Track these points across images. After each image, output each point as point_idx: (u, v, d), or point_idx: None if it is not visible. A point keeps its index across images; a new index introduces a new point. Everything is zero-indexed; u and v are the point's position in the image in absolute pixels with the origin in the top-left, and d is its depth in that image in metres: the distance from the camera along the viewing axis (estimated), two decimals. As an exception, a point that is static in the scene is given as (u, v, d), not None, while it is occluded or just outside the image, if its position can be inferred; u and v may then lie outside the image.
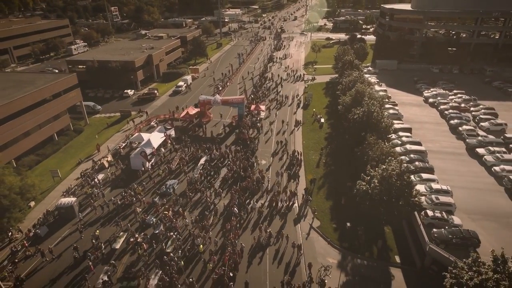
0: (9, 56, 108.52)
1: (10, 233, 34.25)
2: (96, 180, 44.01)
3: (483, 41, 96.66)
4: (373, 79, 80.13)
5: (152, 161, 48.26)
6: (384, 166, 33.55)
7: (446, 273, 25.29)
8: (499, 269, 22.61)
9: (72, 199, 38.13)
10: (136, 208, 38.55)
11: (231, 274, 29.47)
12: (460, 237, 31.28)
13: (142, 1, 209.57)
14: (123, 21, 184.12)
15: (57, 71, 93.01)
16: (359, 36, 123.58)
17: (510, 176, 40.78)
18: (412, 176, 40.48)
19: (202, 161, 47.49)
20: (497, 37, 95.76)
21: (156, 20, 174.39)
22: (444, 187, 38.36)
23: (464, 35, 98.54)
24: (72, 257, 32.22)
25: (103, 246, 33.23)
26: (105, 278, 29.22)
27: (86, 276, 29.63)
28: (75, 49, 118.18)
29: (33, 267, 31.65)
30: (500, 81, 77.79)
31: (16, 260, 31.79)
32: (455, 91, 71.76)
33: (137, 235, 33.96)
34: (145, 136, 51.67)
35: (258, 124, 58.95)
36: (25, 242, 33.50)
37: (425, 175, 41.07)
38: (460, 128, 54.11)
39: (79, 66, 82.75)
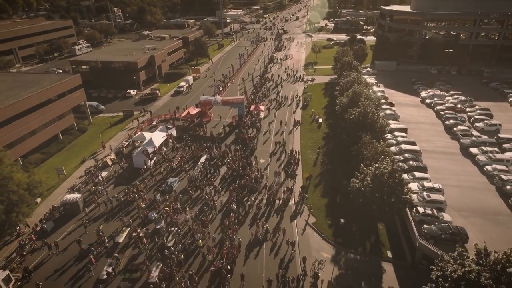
0: (14, 57, 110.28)
1: (18, 228, 35.78)
2: (100, 177, 45.50)
3: (481, 42, 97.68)
4: (371, 80, 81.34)
5: (154, 159, 49.70)
6: (376, 165, 34.85)
7: (433, 266, 26.57)
8: (481, 261, 23.86)
9: (77, 196, 39.70)
10: (140, 203, 40.08)
11: (228, 267, 30.85)
12: (449, 233, 32.52)
13: (144, 1, 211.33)
14: (125, 21, 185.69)
15: (61, 71, 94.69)
16: (359, 37, 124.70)
17: (501, 175, 41.95)
18: (405, 175, 41.94)
19: (202, 159, 48.89)
20: (496, 38, 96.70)
21: (158, 21, 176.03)
22: (436, 185, 39.59)
23: (463, 36, 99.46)
24: (76, 250, 33.76)
25: (106, 240, 34.73)
26: (109, 270, 30.71)
27: (90, 267, 31.17)
28: (78, 49, 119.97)
29: (40, 259, 33.22)
30: (497, 82, 78.78)
31: (24, 253, 33.34)
32: (452, 92, 72.84)
33: (139, 230, 35.41)
34: (147, 135, 53.17)
35: (258, 124, 60.32)
36: (32, 236, 35.04)
37: (418, 174, 42.23)
38: (455, 129, 55.24)
39: (83, 67, 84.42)
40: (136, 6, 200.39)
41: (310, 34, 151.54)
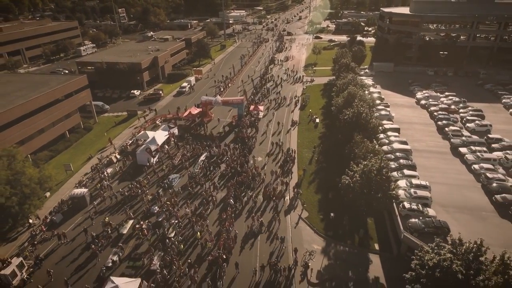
0: (21, 57, 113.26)
1: (30, 220, 38.37)
2: (105, 173, 47.98)
3: (479, 44, 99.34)
4: (369, 81, 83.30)
5: (157, 157, 52.08)
6: (365, 162, 37.01)
7: (413, 256, 28.71)
8: (454, 250, 26.00)
9: (84, 190, 42.28)
10: (147, 197, 42.77)
11: (224, 257, 33.16)
12: (432, 227, 34.57)
13: (148, 2, 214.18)
14: (130, 22, 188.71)
15: (67, 71, 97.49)
16: (359, 38, 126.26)
17: (487, 174, 43.92)
18: (395, 172, 44.13)
19: (202, 157, 51.22)
20: (494, 40, 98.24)
21: (162, 22, 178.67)
22: (423, 183, 41.61)
23: (463, 38, 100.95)
24: (84, 240, 36.40)
25: (110, 231, 37.29)
26: (114, 258, 33.18)
27: (98, 253, 33.76)
28: (83, 50, 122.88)
29: (50, 248, 35.79)
30: (492, 83, 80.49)
31: (35, 242, 35.94)
32: (446, 93, 74.66)
33: (142, 222, 37.82)
34: (150, 134, 55.60)
35: (256, 123, 62.56)
36: (42, 227, 37.65)
37: (407, 172, 44.29)
38: (446, 129, 57.15)
39: (88, 67, 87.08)
40: (140, 7, 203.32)
41: (319, 35, 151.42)
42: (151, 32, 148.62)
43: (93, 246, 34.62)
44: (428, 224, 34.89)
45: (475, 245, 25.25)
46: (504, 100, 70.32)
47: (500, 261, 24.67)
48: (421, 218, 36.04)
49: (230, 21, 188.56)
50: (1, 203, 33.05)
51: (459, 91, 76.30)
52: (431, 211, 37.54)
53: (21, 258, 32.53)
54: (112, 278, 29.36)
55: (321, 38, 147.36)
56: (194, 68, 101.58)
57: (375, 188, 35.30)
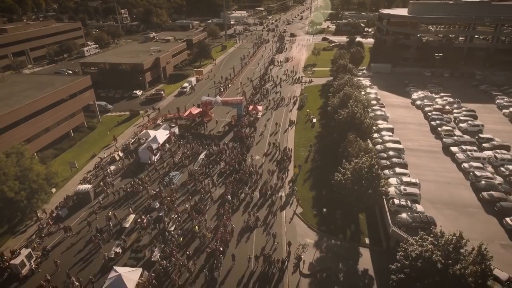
0: (26, 58, 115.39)
1: (38, 214, 40.37)
2: (108, 170, 49.90)
3: (475, 45, 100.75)
4: (366, 82, 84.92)
5: (158, 155, 53.96)
6: (356, 160, 38.76)
7: (399, 248, 30.43)
8: (435, 242, 27.73)
9: (88, 186, 44.25)
10: (151, 191, 44.64)
11: (221, 249, 35.00)
12: (419, 222, 36.34)
13: (151, 3, 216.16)
14: (132, 23, 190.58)
15: (71, 72, 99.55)
16: (359, 39, 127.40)
17: (476, 172, 45.59)
18: (387, 170, 45.90)
19: (202, 155, 53.08)
20: (490, 41, 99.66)
21: (164, 22, 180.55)
22: (413, 180, 43.36)
23: (461, 39, 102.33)
24: (88, 234, 38.40)
25: (112, 225, 39.20)
26: (117, 250, 35.10)
27: (101, 243, 35.78)
28: (87, 51, 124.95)
29: (56, 241, 37.76)
30: (487, 84, 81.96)
31: (43, 235, 37.97)
32: (441, 94, 76.20)
33: (143, 217, 39.69)
34: (152, 133, 57.51)
35: (255, 123, 64.32)
36: (49, 220, 39.63)
37: (398, 170, 46.02)
38: (439, 129, 58.76)
39: (91, 68, 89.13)
40: (143, 7, 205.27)
41: (326, 37, 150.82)
42: (153, 33, 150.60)
43: (93, 238, 36.58)
44: (415, 219, 36.64)
45: (454, 237, 26.97)
46: (497, 101, 71.84)
47: (477, 252, 26.42)
48: (409, 213, 37.76)
49: (231, 22, 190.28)
50: (10, 198, 34.93)
51: (454, 91, 77.85)
52: (419, 207, 39.29)
53: (29, 249, 34.41)
54: (115, 267, 31.21)
55: (328, 39, 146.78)
56: (195, 69, 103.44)
57: (366, 184, 37.00)
